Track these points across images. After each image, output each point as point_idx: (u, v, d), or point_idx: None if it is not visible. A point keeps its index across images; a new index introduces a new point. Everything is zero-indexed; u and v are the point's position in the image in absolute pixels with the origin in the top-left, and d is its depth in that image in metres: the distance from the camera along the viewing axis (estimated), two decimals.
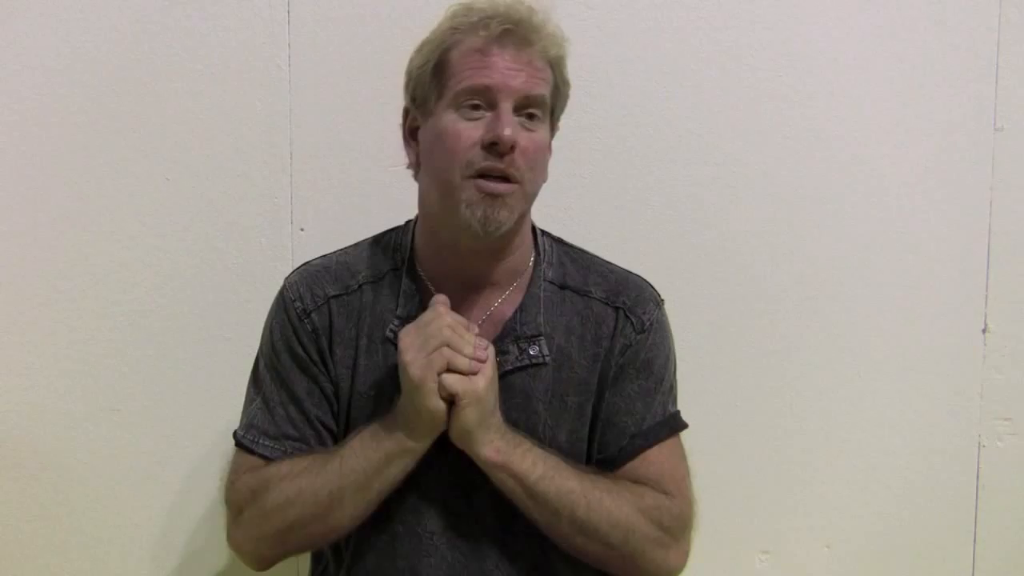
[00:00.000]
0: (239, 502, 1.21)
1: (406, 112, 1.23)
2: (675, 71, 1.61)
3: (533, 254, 1.26)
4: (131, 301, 1.61)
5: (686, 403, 1.30)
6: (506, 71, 1.12)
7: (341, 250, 1.30)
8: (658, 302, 1.27)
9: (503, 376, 1.20)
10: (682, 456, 1.27)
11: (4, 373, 1.62)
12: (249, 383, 1.28)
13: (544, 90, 1.15)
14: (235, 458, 1.25)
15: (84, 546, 1.65)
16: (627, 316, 1.24)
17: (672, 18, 1.60)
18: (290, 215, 1.61)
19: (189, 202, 1.60)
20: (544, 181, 1.21)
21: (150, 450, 1.64)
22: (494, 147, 1.11)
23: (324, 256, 1.30)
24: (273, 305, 1.28)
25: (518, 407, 1.21)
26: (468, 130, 1.13)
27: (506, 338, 1.21)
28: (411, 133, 1.22)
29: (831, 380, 1.68)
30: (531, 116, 1.15)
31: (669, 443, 1.25)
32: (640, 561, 1.19)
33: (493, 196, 1.12)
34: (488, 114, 1.13)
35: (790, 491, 1.70)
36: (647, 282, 1.29)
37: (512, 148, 1.11)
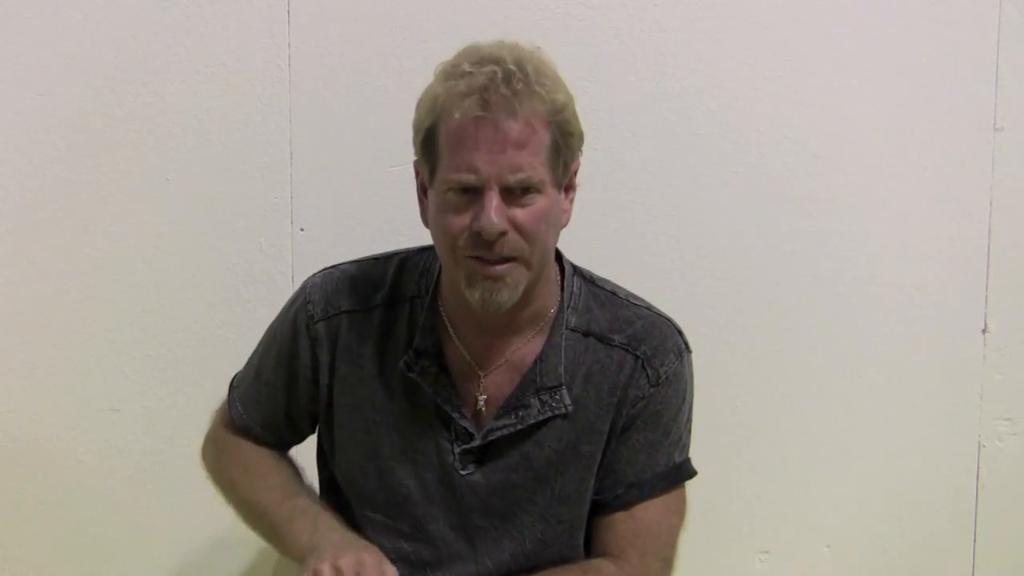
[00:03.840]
0: (210, 436, 1.34)
1: (417, 168, 1.18)
2: (675, 71, 1.61)
3: (559, 297, 1.22)
4: (131, 301, 1.61)
5: None
6: (488, 157, 1.06)
7: (374, 258, 1.27)
8: (680, 351, 1.23)
9: (524, 431, 1.19)
10: (676, 511, 1.24)
11: (4, 373, 1.62)
12: (263, 336, 1.31)
13: (529, 171, 1.07)
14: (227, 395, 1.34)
15: (84, 546, 1.66)
16: (644, 368, 1.20)
17: (672, 18, 1.60)
18: (290, 215, 1.61)
19: (189, 202, 1.60)
20: (561, 228, 1.17)
21: (150, 450, 1.64)
22: (480, 236, 1.07)
23: (357, 262, 1.26)
24: (295, 293, 1.28)
25: (534, 457, 1.20)
26: (457, 218, 1.08)
27: (527, 390, 1.19)
28: (422, 189, 1.18)
29: (831, 380, 1.68)
30: (525, 191, 1.08)
31: (666, 497, 1.22)
32: None
33: (492, 278, 1.09)
34: (479, 197, 1.07)
35: (790, 491, 1.70)
36: (675, 328, 1.24)
37: (503, 233, 1.07)
